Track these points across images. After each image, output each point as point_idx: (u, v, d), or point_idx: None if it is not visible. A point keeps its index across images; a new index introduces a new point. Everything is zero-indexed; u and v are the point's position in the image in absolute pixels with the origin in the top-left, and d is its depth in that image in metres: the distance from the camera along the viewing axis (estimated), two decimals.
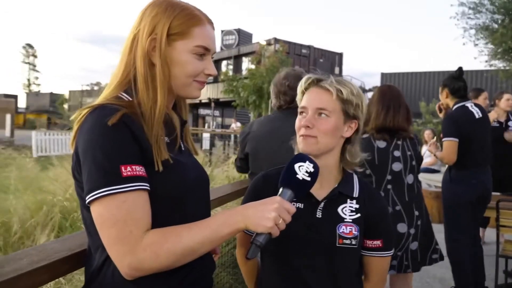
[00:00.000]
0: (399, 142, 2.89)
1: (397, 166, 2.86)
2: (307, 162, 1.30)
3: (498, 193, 4.95)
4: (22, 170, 6.18)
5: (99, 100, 1.21)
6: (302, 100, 1.59)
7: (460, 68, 4.01)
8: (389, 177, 2.85)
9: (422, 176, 9.05)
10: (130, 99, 1.21)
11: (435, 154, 4.12)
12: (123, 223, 1.05)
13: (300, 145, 1.54)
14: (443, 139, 3.93)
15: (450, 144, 3.87)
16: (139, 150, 1.12)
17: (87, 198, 1.07)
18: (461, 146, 3.87)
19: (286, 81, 2.81)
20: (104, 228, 1.07)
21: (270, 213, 1.14)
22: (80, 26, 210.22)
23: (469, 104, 4.01)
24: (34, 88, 76.10)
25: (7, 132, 25.22)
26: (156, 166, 1.14)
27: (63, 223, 4.23)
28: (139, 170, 1.10)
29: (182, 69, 1.23)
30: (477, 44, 17.11)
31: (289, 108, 2.78)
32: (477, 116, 3.99)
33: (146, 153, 1.13)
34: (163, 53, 1.20)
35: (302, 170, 1.28)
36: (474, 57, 33.94)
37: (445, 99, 4.12)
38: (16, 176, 5.52)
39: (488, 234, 5.97)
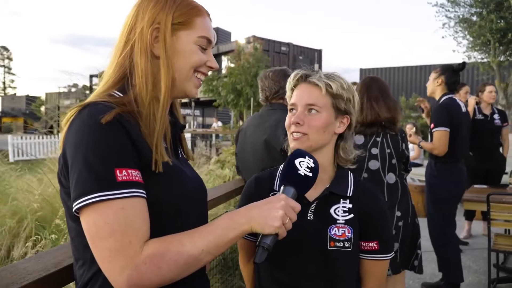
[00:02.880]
0: (378, 139, 2.75)
1: (373, 165, 2.72)
2: (307, 157, 1.25)
3: (485, 186, 4.94)
4: None
5: (89, 99, 1.10)
6: (292, 97, 1.54)
7: (463, 63, 3.99)
8: (365, 174, 2.71)
9: None
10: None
11: (419, 144, 4.03)
12: (122, 233, 0.93)
13: (292, 143, 1.49)
14: (434, 129, 3.85)
15: (442, 134, 3.81)
16: (136, 152, 1.01)
17: (75, 204, 0.94)
18: (449, 137, 3.83)
19: (270, 72, 2.91)
20: (98, 240, 0.93)
21: (278, 212, 1.06)
22: (56, 27, 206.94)
23: (456, 97, 4.06)
24: (9, 91, 74.81)
25: None
26: (155, 167, 1.03)
27: (41, 231, 4.03)
28: (135, 175, 0.98)
29: (187, 60, 1.15)
30: (456, 37, 17.32)
31: (274, 98, 2.89)
32: (463, 110, 4.05)
33: (143, 155, 1.02)
34: (168, 43, 1.12)
35: (303, 165, 1.23)
36: (452, 49, 34.79)
37: (435, 86, 4.07)
38: None
39: (474, 227, 5.97)
